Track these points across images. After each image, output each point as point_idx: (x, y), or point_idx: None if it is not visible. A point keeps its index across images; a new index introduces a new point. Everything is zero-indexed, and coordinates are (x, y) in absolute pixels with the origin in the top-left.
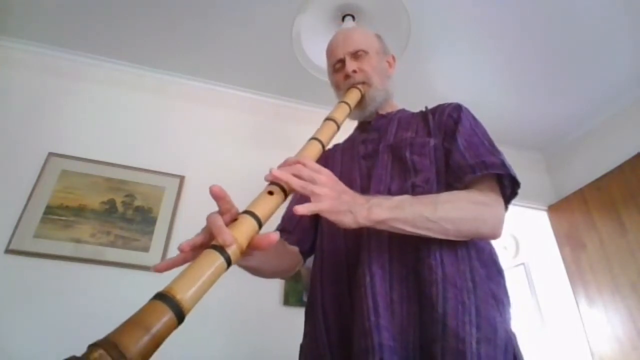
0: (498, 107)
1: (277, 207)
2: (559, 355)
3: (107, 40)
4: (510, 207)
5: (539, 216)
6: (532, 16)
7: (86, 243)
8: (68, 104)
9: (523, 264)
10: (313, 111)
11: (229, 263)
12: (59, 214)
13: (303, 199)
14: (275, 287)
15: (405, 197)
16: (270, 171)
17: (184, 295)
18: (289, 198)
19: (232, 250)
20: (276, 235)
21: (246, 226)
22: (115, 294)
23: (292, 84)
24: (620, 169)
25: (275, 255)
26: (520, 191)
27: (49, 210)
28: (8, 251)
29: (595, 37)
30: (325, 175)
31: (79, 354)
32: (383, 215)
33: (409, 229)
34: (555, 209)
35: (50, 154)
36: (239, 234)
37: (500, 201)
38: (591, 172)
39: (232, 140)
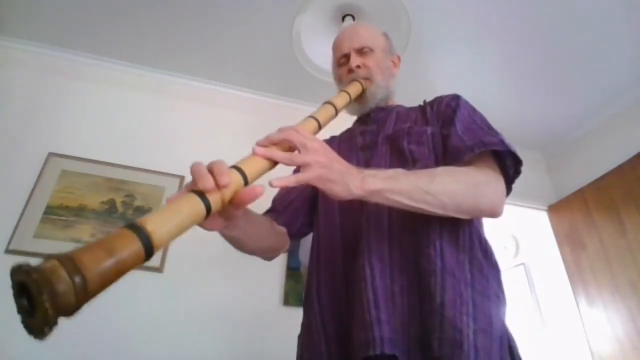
0: (498, 107)
1: (265, 170)
2: (559, 355)
3: (107, 40)
4: (511, 207)
5: (539, 216)
6: (532, 16)
7: (86, 243)
8: (68, 104)
9: (523, 264)
10: (313, 111)
11: (208, 210)
12: (59, 214)
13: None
14: (275, 287)
15: (401, 170)
16: (254, 149)
17: (155, 228)
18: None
19: (213, 198)
20: (261, 189)
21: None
22: (115, 294)
23: (292, 84)
24: (620, 169)
25: (262, 230)
26: (520, 191)
27: (49, 210)
28: (8, 251)
29: (595, 37)
30: (318, 143)
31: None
32: (377, 185)
33: (406, 201)
34: (555, 209)
35: (50, 154)
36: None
37: (499, 178)
38: (591, 172)
39: (232, 141)
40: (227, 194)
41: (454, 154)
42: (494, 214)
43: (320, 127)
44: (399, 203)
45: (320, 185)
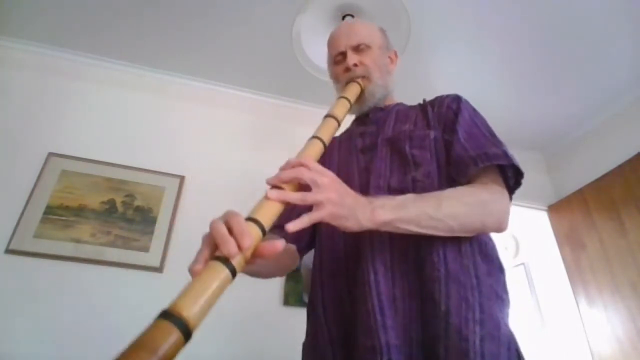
0: (498, 107)
1: (279, 212)
2: (559, 355)
3: (107, 40)
4: (511, 207)
5: (539, 216)
6: (532, 16)
7: (86, 243)
8: (68, 104)
9: (523, 264)
10: (313, 111)
11: (234, 274)
12: (59, 214)
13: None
14: (275, 287)
15: (409, 196)
16: (270, 181)
17: (190, 312)
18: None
19: (236, 261)
20: (281, 243)
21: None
22: (115, 294)
23: (292, 84)
24: (620, 169)
25: (275, 256)
26: (520, 191)
27: (49, 210)
28: (8, 251)
29: (595, 37)
30: (328, 178)
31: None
32: (387, 216)
33: (414, 228)
34: (555, 209)
35: (50, 154)
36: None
37: (504, 193)
38: (591, 172)
39: (232, 141)
40: (249, 253)
41: (457, 166)
42: (499, 230)
43: (325, 146)
44: (407, 230)
45: (332, 222)
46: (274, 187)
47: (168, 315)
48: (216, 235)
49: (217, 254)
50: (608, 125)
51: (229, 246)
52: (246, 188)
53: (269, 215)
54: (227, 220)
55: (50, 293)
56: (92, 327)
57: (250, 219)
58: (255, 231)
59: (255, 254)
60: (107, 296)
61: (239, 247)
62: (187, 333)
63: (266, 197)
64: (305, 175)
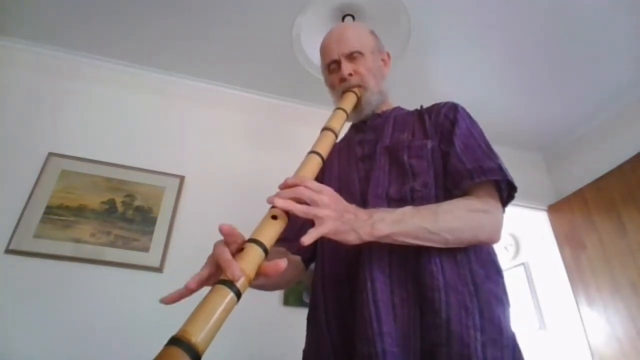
0: (498, 108)
1: (281, 230)
2: (559, 355)
3: (107, 40)
4: (510, 207)
5: (539, 216)
6: (532, 17)
7: (86, 243)
8: (68, 104)
9: (523, 264)
10: (313, 111)
11: (239, 296)
12: (59, 214)
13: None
14: None
15: (407, 210)
16: (271, 200)
17: (198, 337)
18: None
19: (240, 283)
20: (284, 263)
21: (253, 256)
22: (115, 294)
23: (292, 84)
24: (620, 169)
25: (278, 275)
26: (520, 191)
27: (49, 210)
28: (8, 251)
29: (596, 37)
30: (327, 195)
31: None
32: (386, 230)
33: (411, 241)
34: (555, 209)
35: (50, 154)
36: (247, 265)
37: (498, 207)
38: (591, 172)
39: (233, 141)
40: (252, 273)
41: (453, 178)
42: (492, 242)
43: (323, 160)
44: (405, 242)
45: (334, 237)
46: (274, 206)
47: (177, 341)
48: (219, 259)
49: (222, 277)
50: (608, 125)
51: (233, 270)
52: (246, 188)
53: (270, 235)
54: (228, 241)
55: (50, 293)
56: (92, 327)
57: (252, 240)
58: (258, 252)
59: (259, 274)
60: (107, 296)
61: (242, 270)
62: (196, 358)
63: (272, 208)
64: (305, 194)
